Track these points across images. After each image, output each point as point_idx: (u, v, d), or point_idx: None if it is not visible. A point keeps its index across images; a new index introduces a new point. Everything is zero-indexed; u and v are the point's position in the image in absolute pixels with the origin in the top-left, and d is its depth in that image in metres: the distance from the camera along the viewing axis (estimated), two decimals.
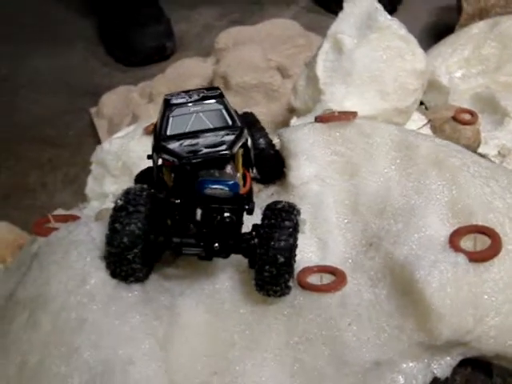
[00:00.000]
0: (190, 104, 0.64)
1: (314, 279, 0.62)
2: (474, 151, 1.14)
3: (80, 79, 1.72)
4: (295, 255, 0.59)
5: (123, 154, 0.96)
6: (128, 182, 0.92)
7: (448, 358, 0.59)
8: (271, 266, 0.57)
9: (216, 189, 0.57)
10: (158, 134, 0.63)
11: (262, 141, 0.72)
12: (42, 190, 1.41)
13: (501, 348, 0.60)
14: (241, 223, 0.59)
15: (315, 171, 0.69)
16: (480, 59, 1.33)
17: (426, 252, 0.58)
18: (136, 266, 0.57)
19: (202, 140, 0.61)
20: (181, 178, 0.60)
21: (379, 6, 1.08)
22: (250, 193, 0.65)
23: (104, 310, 0.52)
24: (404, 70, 1.08)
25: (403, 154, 0.69)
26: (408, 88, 1.09)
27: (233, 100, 1.33)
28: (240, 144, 0.63)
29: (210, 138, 0.62)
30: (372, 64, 1.08)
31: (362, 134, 0.71)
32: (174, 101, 0.65)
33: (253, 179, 0.67)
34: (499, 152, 1.16)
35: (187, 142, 0.61)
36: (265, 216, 0.59)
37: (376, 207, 0.66)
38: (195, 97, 0.65)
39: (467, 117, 1.14)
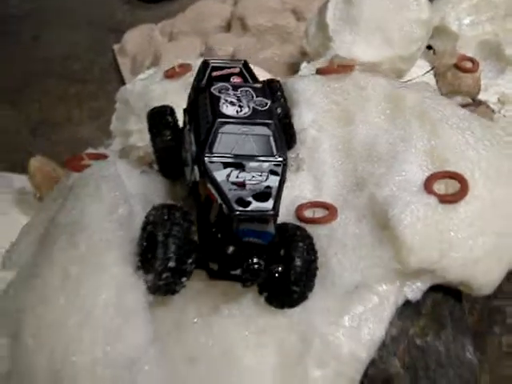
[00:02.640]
0: (240, 124, 0.64)
1: (308, 213, 0.73)
2: (474, 97, 1.22)
3: (102, 16, 1.80)
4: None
5: (146, 96, 1.06)
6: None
7: (418, 284, 0.71)
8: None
9: (254, 239, 0.60)
10: (203, 143, 0.63)
11: (279, 110, 0.74)
12: (68, 124, 1.52)
13: (464, 277, 0.70)
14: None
15: (314, 118, 0.79)
16: (489, 6, 1.38)
17: (403, 193, 0.68)
18: (176, 287, 0.62)
19: (247, 178, 0.62)
20: (223, 218, 0.60)
21: None
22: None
23: (127, 235, 0.63)
24: (409, 20, 1.16)
25: (392, 105, 0.78)
26: (412, 36, 1.17)
27: (249, 41, 1.42)
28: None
29: (255, 178, 0.62)
30: (378, 13, 1.15)
31: (357, 86, 0.80)
32: (224, 107, 0.65)
33: None
34: (499, 99, 1.24)
35: (234, 174, 0.62)
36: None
37: (365, 152, 0.75)
38: (245, 108, 0.65)
39: (468, 65, 1.21)
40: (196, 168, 0.64)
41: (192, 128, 0.67)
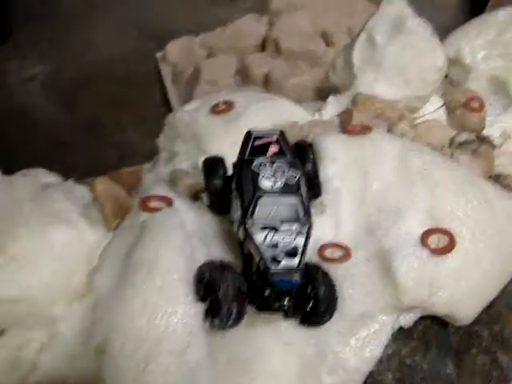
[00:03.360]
0: (274, 196, 0.84)
1: (328, 253, 0.93)
2: (479, 134, 1.40)
3: (147, 21, 1.97)
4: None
5: (193, 126, 1.24)
6: (196, 149, 1.22)
7: (411, 315, 0.91)
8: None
9: (285, 286, 0.80)
10: (246, 210, 0.83)
11: (309, 168, 0.93)
12: (116, 127, 1.71)
13: (448, 311, 0.91)
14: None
15: (336, 171, 0.98)
16: (503, 43, 1.54)
17: (403, 246, 0.88)
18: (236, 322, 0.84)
19: (280, 239, 0.82)
20: (262, 272, 0.81)
21: (408, 11, 1.32)
22: None
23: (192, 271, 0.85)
24: (425, 66, 1.34)
25: (402, 165, 0.97)
26: (427, 80, 1.35)
27: (282, 64, 1.61)
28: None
29: (286, 239, 0.82)
30: (399, 59, 1.33)
31: (375, 145, 1.00)
32: (262, 181, 0.85)
33: None
34: (501, 135, 1.42)
35: (269, 236, 0.82)
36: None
37: (376, 204, 0.95)
38: (278, 182, 0.85)
39: (476, 105, 1.39)
40: (241, 229, 0.84)
41: (238, 195, 0.87)
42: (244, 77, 1.61)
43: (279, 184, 0.85)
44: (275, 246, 0.82)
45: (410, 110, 1.37)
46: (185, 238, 0.86)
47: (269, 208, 0.83)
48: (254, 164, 0.87)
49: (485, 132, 1.41)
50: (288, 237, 0.83)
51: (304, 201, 0.84)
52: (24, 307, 1.06)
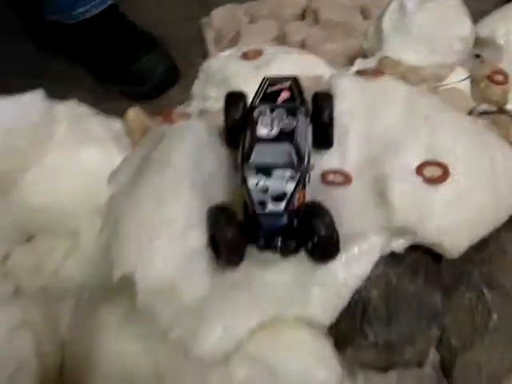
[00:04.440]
0: (269, 143, 0.90)
1: (330, 177, 1.02)
2: (501, 106, 1.47)
3: None
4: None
5: (224, 70, 1.36)
6: (224, 90, 1.33)
7: (402, 240, 0.99)
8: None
9: (271, 225, 0.89)
10: (243, 155, 0.90)
11: (325, 116, 1.01)
12: None
13: (437, 241, 0.98)
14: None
15: (346, 108, 1.07)
16: None
17: (399, 174, 0.97)
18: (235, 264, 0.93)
19: (271, 184, 0.88)
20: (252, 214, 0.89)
21: None
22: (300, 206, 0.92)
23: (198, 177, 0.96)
24: (451, 35, 1.42)
25: (407, 106, 1.05)
26: (453, 48, 1.43)
27: (318, 32, 1.70)
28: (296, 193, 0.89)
29: (277, 184, 0.88)
30: (426, 26, 1.41)
31: (385, 88, 1.09)
32: (259, 129, 0.91)
33: None
34: None
35: (261, 181, 0.88)
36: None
37: (380, 139, 1.03)
38: (274, 130, 0.91)
39: (500, 78, 1.46)
40: (239, 174, 0.91)
41: (241, 141, 0.95)
42: (281, 42, 1.71)
43: (275, 131, 0.92)
44: (265, 190, 0.89)
45: (435, 77, 1.45)
46: (198, 146, 0.97)
47: (263, 154, 0.90)
48: (255, 111, 0.95)
49: (509, 107, 1.48)
50: (279, 182, 0.89)
51: (299, 148, 0.91)
52: (52, 216, 1.18)
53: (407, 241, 0.99)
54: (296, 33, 1.71)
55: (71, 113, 1.31)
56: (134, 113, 1.27)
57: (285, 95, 0.99)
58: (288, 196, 0.89)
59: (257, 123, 0.93)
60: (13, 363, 0.92)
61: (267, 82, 1.02)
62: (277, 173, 0.90)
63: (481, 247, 1.06)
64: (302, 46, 1.67)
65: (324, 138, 1.04)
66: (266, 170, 0.90)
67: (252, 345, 0.97)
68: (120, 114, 1.30)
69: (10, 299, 1.05)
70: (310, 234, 0.92)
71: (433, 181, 0.96)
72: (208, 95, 1.40)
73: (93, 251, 1.16)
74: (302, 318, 0.97)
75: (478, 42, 1.70)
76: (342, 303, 0.97)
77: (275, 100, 0.98)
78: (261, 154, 0.91)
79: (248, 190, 0.90)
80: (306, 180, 0.95)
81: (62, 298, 1.16)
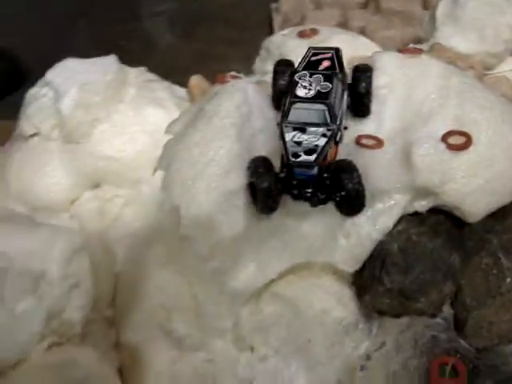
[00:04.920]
0: (306, 101, 1.02)
1: (364, 141, 1.13)
2: None
3: None
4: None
5: (282, 47, 1.49)
6: None
7: (425, 202, 1.09)
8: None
9: (304, 177, 0.99)
10: (283, 112, 1.02)
11: (362, 87, 1.12)
12: (224, 60, 1.97)
13: (458, 204, 1.08)
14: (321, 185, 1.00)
15: (386, 81, 1.17)
16: None
17: (426, 139, 1.07)
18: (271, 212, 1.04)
19: (305, 138, 0.99)
20: (287, 164, 0.99)
21: None
22: (331, 161, 1.01)
23: (244, 127, 1.09)
24: (501, 24, 1.50)
25: (442, 82, 1.15)
26: (502, 38, 1.50)
27: (378, 20, 1.80)
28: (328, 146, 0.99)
29: (310, 139, 0.99)
30: (478, 15, 1.50)
31: (422, 65, 1.19)
32: (298, 90, 1.03)
33: None
34: None
35: (297, 136, 0.99)
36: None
37: (414, 110, 1.13)
38: (312, 91, 1.03)
39: None
40: (279, 129, 1.03)
41: (284, 99, 1.07)
42: (343, 28, 1.82)
43: (312, 92, 1.03)
44: (299, 143, 1.00)
45: (484, 65, 1.53)
46: (245, 100, 1.10)
47: (300, 112, 1.01)
48: (296, 76, 1.07)
49: None
50: (312, 137, 1.01)
51: (333, 108, 1.01)
52: (116, 166, 1.34)
53: (429, 202, 1.09)
54: (357, 19, 1.82)
55: (141, 77, 1.47)
56: (196, 79, 1.42)
57: (326, 64, 1.11)
58: (319, 150, 1.00)
59: (296, 85, 1.06)
60: (71, 280, 1.07)
61: (312, 51, 1.14)
62: (311, 129, 1.02)
63: (502, 218, 1.14)
64: (362, 32, 1.77)
65: (361, 106, 1.14)
66: (301, 127, 1.02)
67: (280, 285, 1.10)
68: None
69: (73, 230, 1.20)
70: (339, 187, 1.03)
71: (456, 147, 1.05)
72: (267, 70, 1.52)
73: (150, 200, 1.31)
74: (328, 264, 1.09)
75: None
76: (365, 254, 1.08)
77: (317, 67, 1.10)
78: (298, 112, 1.03)
79: (285, 143, 1.01)
80: (338, 138, 1.05)
81: (120, 238, 1.32)
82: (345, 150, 1.10)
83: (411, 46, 1.54)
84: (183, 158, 1.07)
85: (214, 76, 1.32)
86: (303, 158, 0.99)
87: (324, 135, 1.01)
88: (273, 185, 1.02)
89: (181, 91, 1.55)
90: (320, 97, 1.04)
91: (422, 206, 1.09)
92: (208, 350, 1.12)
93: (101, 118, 1.37)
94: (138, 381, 1.12)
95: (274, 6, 2.08)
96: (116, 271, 1.26)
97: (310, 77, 1.07)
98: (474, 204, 1.07)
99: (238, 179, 1.04)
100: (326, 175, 1.02)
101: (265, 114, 1.14)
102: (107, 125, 1.38)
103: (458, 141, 1.07)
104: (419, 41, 1.66)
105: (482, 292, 1.10)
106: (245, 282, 1.07)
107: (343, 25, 1.83)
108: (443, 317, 1.09)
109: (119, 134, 1.38)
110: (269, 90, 1.29)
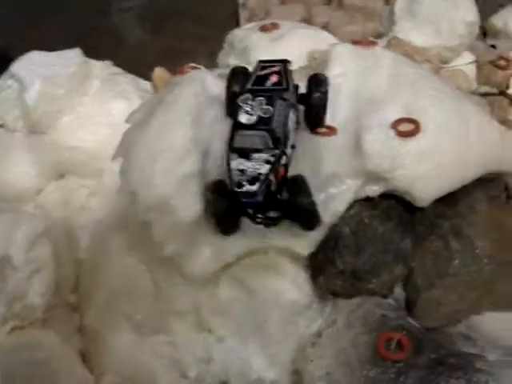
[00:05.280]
0: (249, 128, 1.02)
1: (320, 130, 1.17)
2: (502, 90, 1.60)
3: None
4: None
5: (245, 40, 1.53)
6: (244, 62, 1.49)
7: (376, 187, 1.13)
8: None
9: (249, 202, 1.00)
10: (229, 140, 1.03)
11: (318, 99, 1.13)
12: (190, 54, 2.00)
13: (407, 188, 1.12)
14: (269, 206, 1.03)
15: (341, 71, 1.21)
16: None
17: (376, 126, 1.11)
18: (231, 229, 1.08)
19: (249, 165, 1.00)
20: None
21: None
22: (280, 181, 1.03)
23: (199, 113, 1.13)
24: (456, 19, 1.55)
25: (394, 72, 1.20)
26: (457, 32, 1.56)
27: (341, 16, 1.85)
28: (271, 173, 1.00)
29: (254, 166, 1.00)
30: (434, 11, 1.55)
31: (375, 55, 1.23)
32: (241, 116, 1.03)
33: None
34: None
35: (241, 163, 1.01)
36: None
37: (366, 98, 1.18)
38: (254, 117, 1.03)
39: (503, 63, 1.59)
40: (225, 155, 1.05)
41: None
42: (307, 23, 1.86)
43: (254, 118, 1.03)
44: (243, 172, 1.00)
45: (441, 59, 1.59)
46: (203, 90, 1.14)
47: (244, 139, 1.02)
48: (239, 99, 1.07)
49: (511, 91, 1.60)
50: (256, 164, 1.02)
51: (274, 133, 1.02)
52: (81, 157, 1.38)
53: (380, 188, 1.13)
54: (320, 15, 1.86)
55: (106, 70, 1.50)
56: (159, 71, 1.45)
57: (273, 79, 1.12)
58: (262, 178, 1.01)
59: (239, 111, 1.06)
60: (33, 265, 1.11)
61: (260, 65, 1.15)
62: (254, 155, 1.03)
63: (453, 204, 1.19)
64: (326, 27, 1.82)
65: (314, 117, 1.15)
66: (245, 154, 1.03)
67: (237, 269, 1.14)
68: None
69: (36, 216, 1.24)
70: (292, 206, 1.05)
71: (405, 134, 1.10)
72: (230, 63, 1.57)
73: (113, 188, 1.35)
74: (283, 248, 1.13)
75: (494, 32, 1.84)
76: (318, 237, 1.12)
77: (264, 83, 1.11)
78: (242, 139, 1.04)
79: (230, 171, 1.02)
80: (285, 161, 1.06)
81: (84, 226, 1.35)
82: (300, 139, 1.14)
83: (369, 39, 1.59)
84: (141, 144, 1.10)
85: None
86: (246, 188, 1.00)
87: (267, 162, 1.03)
88: (227, 211, 1.05)
89: (145, 84, 1.58)
90: (262, 123, 1.04)
91: (373, 190, 1.13)
92: (167, 332, 1.16)
93: (65, 110, 1.40)
94: (99, 363, 1.16)
95: (241, 1, 2.12)
96: (79, 258, 1.29)
97: (253, 100, 1.06)
98: (423, 189, 1.12)
99: (193, 164, 1.08)
100: (278, 196, 1.05)
101: (222, 104, 1.18)
102: (72, 116, 1.41)
103: (407, 128, 1.11)
104: (380, 35, 1.71)
105: (432, 273, 1.14)
106: (202, 266, 1.10)
107: (307, 20, 1.88)
108: (394, 298, 1.14)
109: (83, 126, 1.41)
110: None
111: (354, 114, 1.18)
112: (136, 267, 1.20)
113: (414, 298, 1.14)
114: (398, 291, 1.16)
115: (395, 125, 1.12)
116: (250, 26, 1.59)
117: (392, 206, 1.17)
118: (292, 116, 1.10)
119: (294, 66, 1.23)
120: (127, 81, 1.50)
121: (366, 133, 1.10)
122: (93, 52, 1.56)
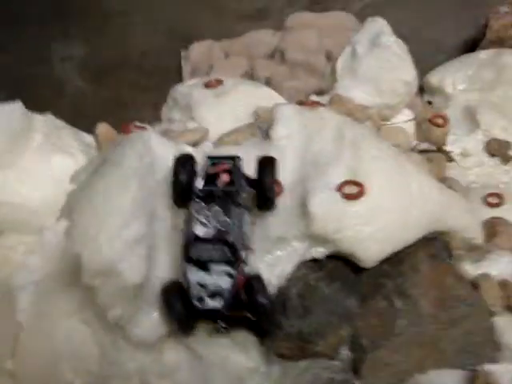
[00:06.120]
0: (207, 242, 1.00)
1: None
2: (440, 146, 1.65)
3: (179, 25, 2.27)
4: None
5: (188, 96, 1.54)
6: (188, 117, 1.50)
7: (322, 249, 1.14)
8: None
9: (212, 315, 1.00)
10: (184, 248, 1.02)
11: (267, 182, 1.10)
12: (134, 106, 2.00)
13: (352, 251, 1.14)
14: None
15: (287, 133, 1.23)
16: (480, 79, 1.80)
17: (321, 188, 1.13)
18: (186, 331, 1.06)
19: (209, 278, 0.99)
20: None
21: (387, 28, 1.59)
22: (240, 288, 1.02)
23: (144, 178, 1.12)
24: (395, 79, 1.59)
25: (338, 133, 1.22)
26: (396, 92, 1.60)
27: (284, 70, 1.88)
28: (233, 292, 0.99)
29: (214, 279, 0.99)
30: (373, 70, 1.59)
31: (321, 118, 1.25)
32: (197, 228, 1.02)
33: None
34: (461, 153, 1.66)
35: (200, 276, 0.99)
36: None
37: (312, 160, 1.19)
38: (211, 229, 1.02)
39: (440, 121, 1.64)
40: (180, 263, 1.03)
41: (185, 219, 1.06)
42: (250, 77, 1.89)
43: (211, 232, 1.01)
44: (203, 285, 1.00)
45: (381, 116, 1.63)
46: (148, 151, 1.13)
47: (201, 250, 1.01)
48: (192, 206, 1.05)
49: (448, 148, 1.65)
50: (216, 277, 1.01)
51: (234, 246, 1.01)
52: (20, 213, 1.34)
53: (326, 249, 1.15)
54: (263, 69, 1.89)
55: (48, 124, 1.48)
56: (103, 128, 1.44)
57: (224, 178, 1.09)
58: (226, 294, 1.00)
59: (194, 221, 1.04)
60: None
61: (209, 162, 1.12)
62: (214, 267, 1.02)
63: (397, 263, 1.21)
64: (268, 82, 1.84)
65: (266, 200, 1.13)
66: (203, 265, 1.02)
67: None
68: None
69: None
70: (252, 308, 1.04)
71: (350, 197, 1.12)
72: (173, 118, 1.57)
73: (55, 247, 1.31)
74: None
75: (430, 89, 1.90)
76: None
77: (215, 182, 1.08)
78: (198, 251, 1.02)
79: (187, 282, 1.01)
80: (245, 264, 1.06)
81: (23, 286, 1.30)
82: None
83: (312, 98, 1.62)
84: (86, 206, 1.08)
85: (123, 122, 1.35)
86: (208, 304, 1.00)
87: (229, 274, 1.02)
88: (183, 316, 1.04)
89: (88, 138, 1.56)
90: (219, 237, 1.02)
91: (319, 252, 1.15)
92: None
93: (4, 165, 1.36)
94: None
95: (183, 53, 2.12)
96: (17, 321, 1.24)
97: (208, 209, 1.05)
98: (367, 250, 1.14)
99: (140, 228, 1.07)
100: (238, 299, 1.03)
101: (167, 165, 1.17)
102: (11, 171, 1.38)
103: (352, 190, 1.13)
104: (322, 92, 1.75)
105: (378, 334, 1.15)
106: (148, 330, 1.08)
107: (250, 74, 1.90)
108: (341, 358, 1.14)
109: (24, 181, 1.37)
110: (175, 138, 1.33)
111: (299, 176, 1.19)
112: (80, 330, 1.17)
113: (360, 359, 1.15)
114: (345, 352, 1.16)
115: (341, 187, 1.14)
116: (193, 81, 1.59)
117: (338, 266, 1.18)
118: (247, 219, 1.10)
119: (239, 124, 1.24)
120: (70, 135, 1.47)
121: (312, 196, 1.12)
122: (32, 101, 1.53)
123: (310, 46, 1.94)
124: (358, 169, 1.16)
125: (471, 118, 1.72)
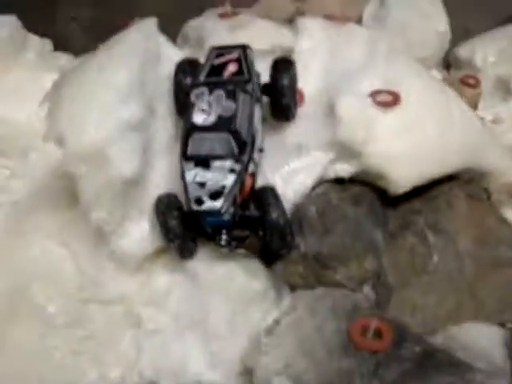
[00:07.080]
0: (206, 131, 0.82)
1: None
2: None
3: None
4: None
5: (200, 29, 1.37)
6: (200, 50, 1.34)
7: (347, 166, 0.97)
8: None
9: (214, 224, 0.82)
10: (181, 146, 0.84)
11: (284, 83, 0.93)
12: None
13: (382, 170, 0.96)
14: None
15: (311, 46, 1.07)
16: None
17: (351, 93, 0.96)
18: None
19: (209, 177, 0.81)
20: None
21: None
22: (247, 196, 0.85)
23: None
24: (427, 28, 1.45)
25: (369, 47, 1.06)
26: (428, 43, 1.46)
27: None
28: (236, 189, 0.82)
29: (215, 177, 0.81)
30: (402, 18, 1.45)
31: (348, 32, 1.10)
32: (195, 115, 0.84)
33: None
34: (493, 119, 1.51)
35: (199, 174, 0.81)
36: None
37: (341, 71, 1.03)
38: (212, 116, 0.83)
39: (472, 81, 1.48)
40: (179, 164, 0.85)
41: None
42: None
43: (212, 118, 0.83)
44: (202, 185, 0.82)
45: None
46: (155, 42, 0.99)
47: (201, 143, 0.83)
48: (192, 94, 0.87)
49: (480, 114, 1.49)
50: (218, 175, 0.82)
51: (240, 135, 0.83)
52: (6, 131, 1.17)
53: (352, 167, 0.97)
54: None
55: (45, 46, 1.33)
56: None
57: (232, 68, 0.91)
58: (226, 192, 0.81)
59: (193, 109, 0.85)
60: None
61: (215, 52, 0.95)
62: (215, 164, 0.83)
63: (429, 201, 1.04)
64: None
65: (282, 109, 0.95)
66: (203, 162, 0.83)
67: None
68: None
69: None
70: (264, 225, 0.85)
71: (382, 104, 0.95)
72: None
73: (40, 169, 1.14)
74: None
75: (458, 63, 1.74)
76: None
77: (221, 73, 0.90)
78: (198, 143, 0.83)
79: (185, 185, 0.83)
80: (252, 169, 0.87)
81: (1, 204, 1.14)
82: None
83: None
84: (75, 81, 0.91)
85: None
86: (208, 204, 0.80)
87: (232, 170, 0.83)
88: (181, 233, 0.86)
89: None
90: (223, 123, 0.83)
91: (344, 170, 0.98)
92: (87, 326, 0.93)
93: None
94: (5, 357, 0.92)
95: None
96: None
97: (210, 94, 0.86)
98: (400, 171, 0.97)
99: (135, 112, 0.89)
100: (245, 212, 0.85)
101: (172, 66, 1.00)
102: None
103: (385, 98, 0.97)
104: None
105: (407, 271, 0.97)
106: (135, 244, 0.90)
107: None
108: (364, 295, 0.95)
109: (11, 96, 1.21)
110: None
111: (325, 85, 1.03)
112: (58, 252, 0.98)
113: (385, 300, 0.96)
114: (367, 291, 0.97)
115: (373, 94, 0.97)
116: (206, 14, 1.44)
117: (363, 192, 1.01)
118: (258, 113, 0.91)
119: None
120: (66, 59, 1.32)
121: (341, 99, 0.95)
122: None
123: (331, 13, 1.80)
124: (393, 79, 1.00)
125: (504, 88, 1.56)
